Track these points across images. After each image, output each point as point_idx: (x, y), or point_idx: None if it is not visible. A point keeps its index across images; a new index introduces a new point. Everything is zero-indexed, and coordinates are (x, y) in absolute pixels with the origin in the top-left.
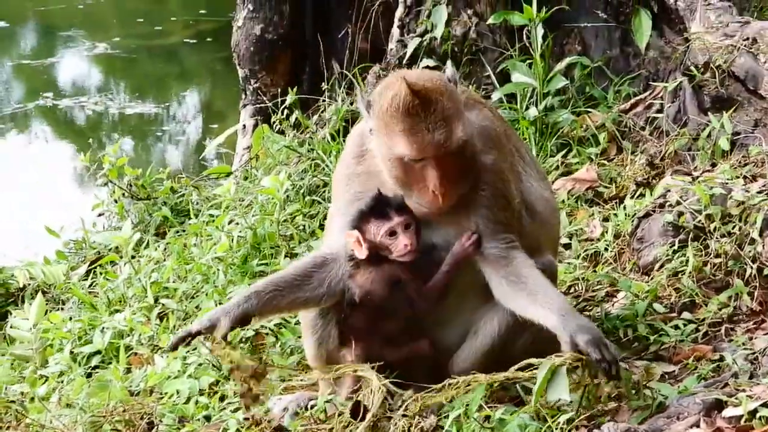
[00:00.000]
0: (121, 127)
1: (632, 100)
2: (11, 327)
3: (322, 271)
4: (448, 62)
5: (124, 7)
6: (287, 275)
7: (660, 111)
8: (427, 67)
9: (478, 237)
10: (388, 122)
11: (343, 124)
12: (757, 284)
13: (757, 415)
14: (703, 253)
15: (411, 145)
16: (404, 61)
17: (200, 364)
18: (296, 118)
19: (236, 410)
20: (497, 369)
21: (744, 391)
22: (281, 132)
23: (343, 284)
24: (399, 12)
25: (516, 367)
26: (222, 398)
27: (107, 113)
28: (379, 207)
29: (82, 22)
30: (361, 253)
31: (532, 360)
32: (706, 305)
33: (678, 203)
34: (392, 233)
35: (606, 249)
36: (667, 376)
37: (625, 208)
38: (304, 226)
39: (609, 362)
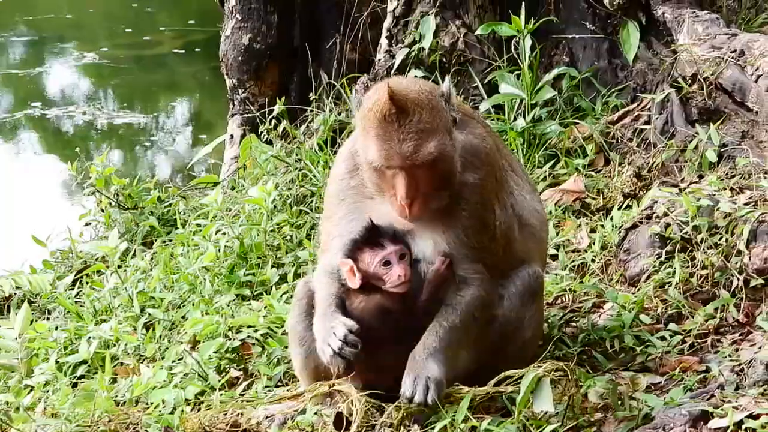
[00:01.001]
0: (110, 137)
1: (620, 112)
2: None
3: None
4: (447, 77)
5: (112, 17)
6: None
7: (647, 122)
8: (422, 77)
9: (450, 261)
10: (366, 126)
11: (331, 134)
12: (744, 296)
13: (743, 427)
14: (690, 264)
15: (379, 152)
16: (392, 72)
17: (186, 375)
18: (284, 128)
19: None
20: (484, 376)
21: (730, 402)
22: (269, 142)
23: None
24: (387, 22)
25: (495, 380)
26: (208, 409)
27: (95, 123)
28: (373, 236)
29: (70, 31)
30: (354, 282)
31: (510, 372)
32: (693, 316)
33: (665, 215)
34: (386, 263)
35: (593, 260)
36: (653, 387)
37: (612, 219)
38: (291, 236)
39: (419, 404)
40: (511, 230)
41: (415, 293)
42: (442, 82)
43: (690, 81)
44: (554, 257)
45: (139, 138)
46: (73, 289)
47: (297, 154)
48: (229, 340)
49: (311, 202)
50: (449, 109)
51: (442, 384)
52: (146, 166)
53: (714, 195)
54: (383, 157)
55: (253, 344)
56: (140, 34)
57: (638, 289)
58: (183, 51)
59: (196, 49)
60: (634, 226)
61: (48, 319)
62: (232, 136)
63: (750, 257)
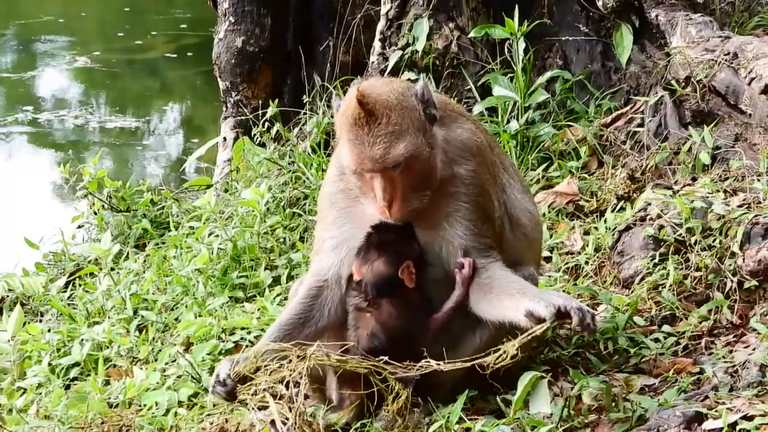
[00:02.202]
0: (102, 140)
1: (613, 114)
2: None
3: (320, 301)
4: (421, 76)
5: (104, 22)
6: (291, 317)
7: (641, 125)
8: (408, 79)
9: (473, 260)
10: (341, 129)
11: (324, 137)
12: (738, 298)
13: (737, 428)
14: (684, 266)
15: (352, 157)
16: (386, 74)
17: (179, 376)
18: (277, 131)
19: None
20: (479, 381)
21: (724, 404)
22: (262, 144)
23: (342, 305)
24: (380, 25)
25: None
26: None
27: (87, 127)
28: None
29: (62, 35)
30: (413, 281)
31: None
32: (687, 318)
33: (659, 217)
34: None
35: (587, 262)
36: (647, 388)
37: (605, 221)
38: (284, 238)
39: (585, 313)
40: (503, 228)
41: (424, 301)
42: (436, 85)
43: (683, 83)
44: (548, 259)
45: (130, 142)
46: (65, 291)
47: (290, 157)
48: (223, 342)
49: (304, 204)
50: (424, 108)
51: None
52: (138, 170)
53: (707, 197)
54: (356, 162)
55: (247, 346)
56: (132, 39)
57: (632, 291)
58: (175, 55)
59: (188, 54)
60: (627, 228)
61: (41, 321)
62: (225, 139)
63: (744, 259)
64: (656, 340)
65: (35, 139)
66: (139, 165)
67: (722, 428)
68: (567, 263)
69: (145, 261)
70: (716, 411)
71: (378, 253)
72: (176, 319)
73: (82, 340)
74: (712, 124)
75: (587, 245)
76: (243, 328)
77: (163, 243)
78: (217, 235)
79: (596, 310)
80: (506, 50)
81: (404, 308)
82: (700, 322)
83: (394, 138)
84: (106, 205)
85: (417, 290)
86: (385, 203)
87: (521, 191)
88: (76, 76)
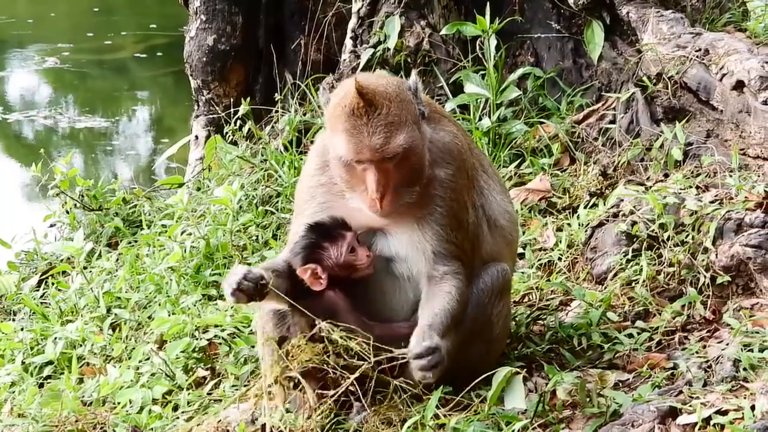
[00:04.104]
0: (72, 141)
1: (585, 111)
2: None
3: None
4: (413, 72)
5: (74, 22)
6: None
7: (613, 122)
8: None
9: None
10: (335, 121)
11: (296, 134)
12: (711, 293)
13: (711, 423)
14: (657, 262)
15: (348, 146)
16: (358, 72)
17: (153, 374)
18: (249, 129)
19: (189, 419)
20: (455, 374)
21: (698, 398)
22: (234, 143)
23: None
24: (352, 23)
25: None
26: (175, 408)
27: (57, 127)
28: (325, 232)
29: (31, 35)
30: (321, 284)
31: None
32: (660, 314)
33: (631, 213)
34: (352, 249)
35: (560, 258)
36: (621, 384)
37: (578, 217)
38: (257, 236)
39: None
40: (481, 230)
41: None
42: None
43: (655, 80)
44: (521, 256)
45: (100, 142)
46: (38, 290)
47: (262, 155)
48: (196, 339)
49: (277, 202)
50: (417, 103)
51: (444, 360)
52: (108, 170)
53: (680, 193)
54: (353, 151)
55: (220, 344)
56: (102, 38)
57: (605, 287)
58: (145, 55)
59: (158, 54)
60: (600, 225)
61: (13, 320)
62: (196, 137)
63: (716, 254)
64: (630, 335)
65: (5, 140)
66: (108, 165)
67: (696, 423)
68: (540, 259)
69: (117, 259)
70: (690, 406)
71: (298, 254)
72: (149, 317)
73: (56, 338)
74: (684, 121)
75: (560, 241)
76: (216, 326)
77: (136, 241)
78: (190, 233)
79: (569, 306)
80: (478, 47)
81: (325, 309)
82: (674, 318)
83: (394, 128)
84: (78, 204)
85: (336, 292)
86: (378, 195)
87: (500, 192)
88: (45, 77)
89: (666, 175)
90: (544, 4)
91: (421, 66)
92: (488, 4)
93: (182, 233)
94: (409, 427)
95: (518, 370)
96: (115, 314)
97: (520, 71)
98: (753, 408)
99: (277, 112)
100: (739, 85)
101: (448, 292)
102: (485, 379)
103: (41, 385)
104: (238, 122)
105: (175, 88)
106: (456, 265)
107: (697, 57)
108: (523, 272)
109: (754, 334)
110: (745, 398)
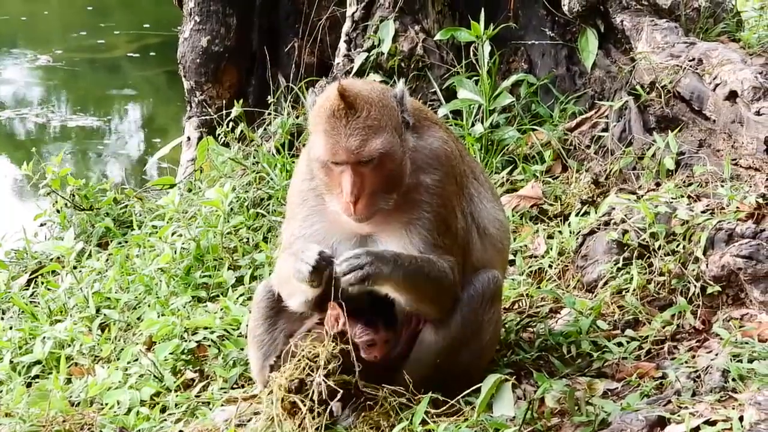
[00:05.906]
0: (63, 139)
1: (578, 119)
2: None
3: None
4: (401, 80)
5: (67, 20)
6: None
7: (605, 130)
8: (381, 82)
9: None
10: (316, 122)
11: (289, 137)
12: (701, 303)
13: None
14: (647, 271)
15: (326, 147)
16: (351, 76)
17: (141, 375)
18: (241, 131)
19: (177, 421)
20: (444, 380)
21: (686, 408)
22: (226, 144)
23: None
24: (346, 27)
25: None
26: (163, 409)
27: (48, 126)
28: (371, 314)
29: (24, 34)
30: (332, 328)
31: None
32: (650, 323)
33: (622, 221)
34: (371, 344)
35: (550, 266)
36: (610, 392)
37: (569, 225)
38: (247, 238)
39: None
40: (471, 237)
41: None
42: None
43: (648, 89)
44: (512, 263)
45: (92, 141)
46: (27, 289)
47: (254, 157)
48: (185, 341)
49: (268, 205)
50: (401, 111)
51: (380, 274)
52: (99, 169)
53: (671, 202)
54: (329, 152)
55: (209, 346)
56: (95, 38)
57: (595, 295)
58: (138, 54)
59: (151, 53)
60: (591, 233)
61: (2, 318)
62: (189, 139)
63: (707, 264)
64: (619, 344)
65: None
66: (100, 164)
67: None
68: (531, 266)
69: (107, 260)
70: (679, 415)
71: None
72: (139, 318)
73: (44, 338)
74: (677, 130)
75: (551, 249)
76: (206, 328)
77: (126, 242)
78: (181, 235)
79: (559, 313)
80: (471, 53)
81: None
82: (663, 327)
83: (372, 132)
84: (68, 203)
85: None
86: (352, 198)
87: (491, 200)
88: (37, 75)
89: (658, 184)
90: (538, 10)
91: (414, 71)
92: (482, 10)
93: (173, 234)
94: None
95: (507, 377)
96: (105, 315)
97: (513, 78)
98: (741, 419)
99: (269, 114)
100: (732, 96)
101: (433, 260)
102: (474, 385)
103: (29, 385)
104: (231, 124)
105: (168, 88)
106: (447, 259)
107: (691, 66)
108: (513, 279)
109: (744, 345)
110: (733, 409)
